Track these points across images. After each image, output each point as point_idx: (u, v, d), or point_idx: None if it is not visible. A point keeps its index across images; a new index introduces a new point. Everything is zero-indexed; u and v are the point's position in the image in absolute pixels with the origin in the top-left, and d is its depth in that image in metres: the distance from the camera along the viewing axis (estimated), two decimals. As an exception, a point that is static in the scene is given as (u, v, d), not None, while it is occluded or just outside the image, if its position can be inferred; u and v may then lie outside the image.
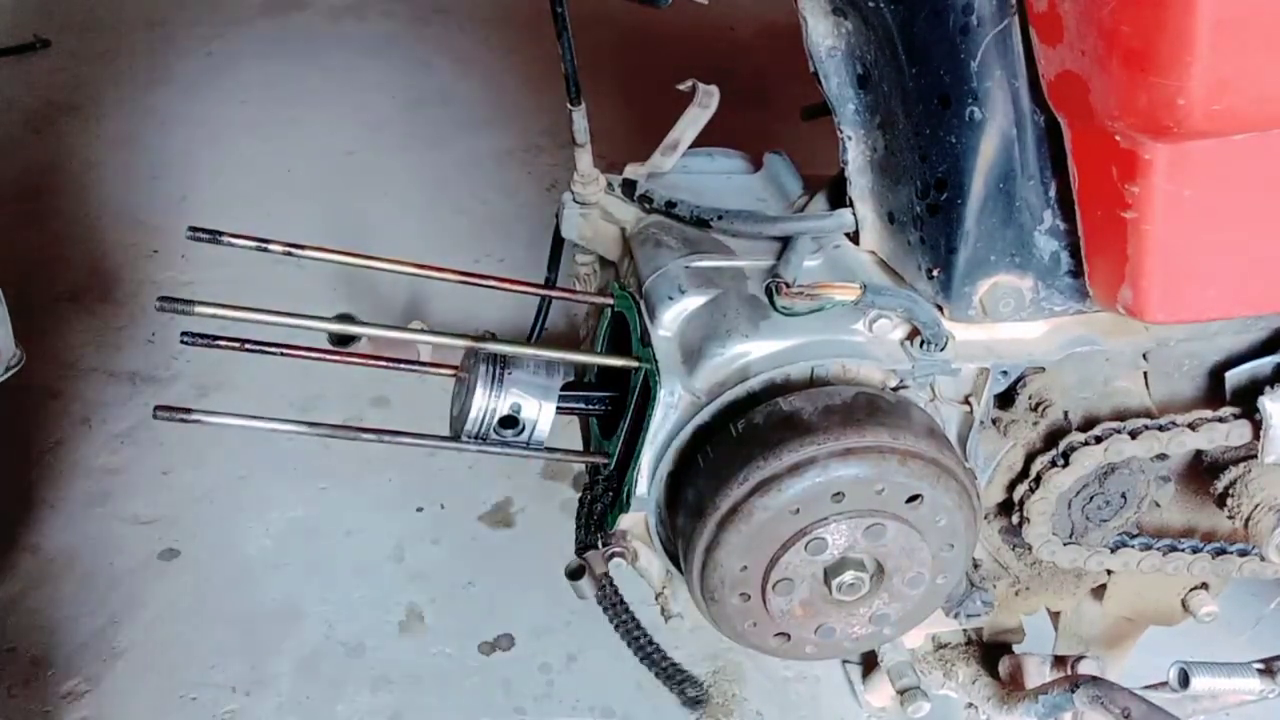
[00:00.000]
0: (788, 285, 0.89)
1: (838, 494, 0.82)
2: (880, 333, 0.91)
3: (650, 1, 1.03)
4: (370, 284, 2.37)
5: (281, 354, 0.85)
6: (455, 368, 0.90)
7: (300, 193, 2.78)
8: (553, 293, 1.05)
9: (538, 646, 1.62)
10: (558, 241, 1.18)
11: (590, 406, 0.94)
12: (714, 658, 1.64)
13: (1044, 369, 0.95)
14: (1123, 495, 1.01)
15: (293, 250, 0.79)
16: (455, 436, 0.85)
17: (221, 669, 1.51)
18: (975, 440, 0.97)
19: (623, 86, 2.89)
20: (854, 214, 0.99)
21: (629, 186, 1.11)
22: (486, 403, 0.83)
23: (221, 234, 0.77)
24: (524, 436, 0.85)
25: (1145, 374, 1.01)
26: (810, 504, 0.82)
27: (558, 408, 0.86)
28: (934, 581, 0.90)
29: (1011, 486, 1.01)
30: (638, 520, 0.96)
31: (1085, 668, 1.14)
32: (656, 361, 0.89)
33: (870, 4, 0.84)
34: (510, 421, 0.84)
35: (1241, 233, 0.80)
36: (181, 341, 0.79)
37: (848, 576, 0.86)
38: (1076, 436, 0.95)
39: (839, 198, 1.02)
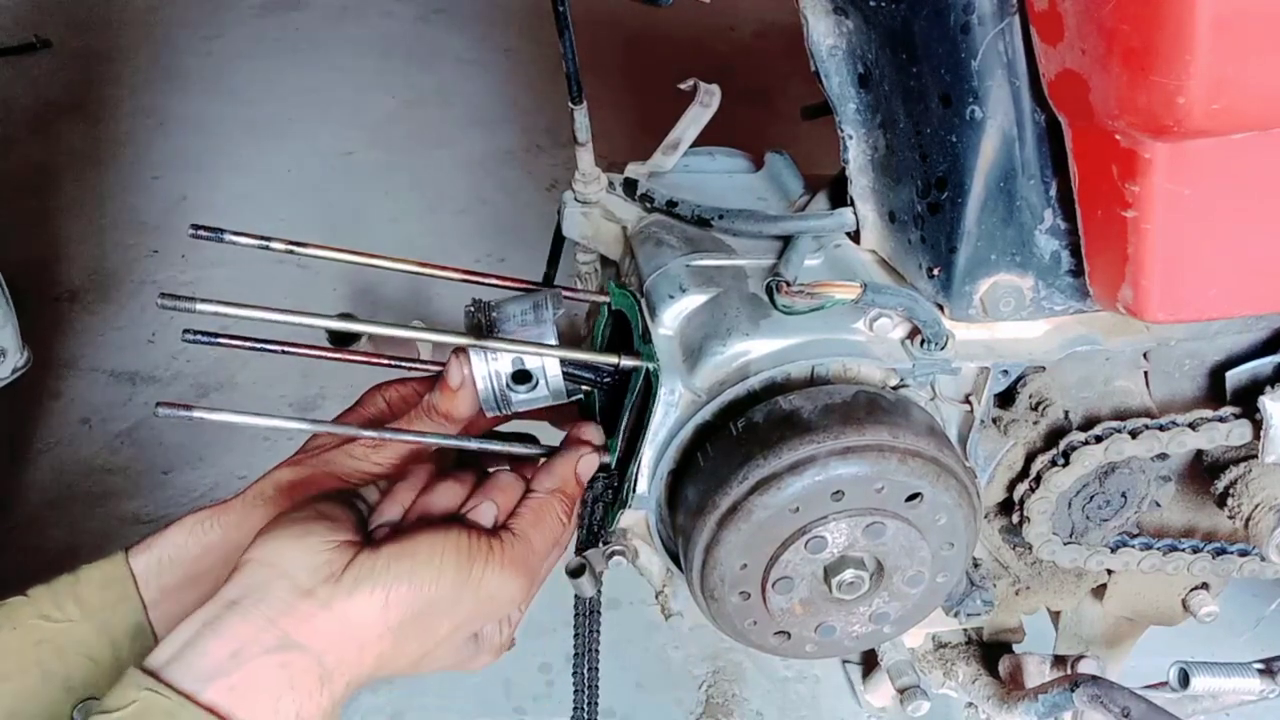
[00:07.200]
0: (788, 284, 0.89)
1: (837, 492, 0.82)
2: (881, 332, 0.91)
3: (652, 1, 1.03)
4: (371, 283, 2.37)
5: (282, 352, 0.85)
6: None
7: (300, 193, 2.79)
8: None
9: (538, 646, 1.62)
10: (558, 240, 1.18)
11: (601, 378, 0.92)
12: (714, 657, 1.64)
13: (1044, 368, 0.95)
14: (1123, 495, 1.01)
15: (294, 248, 0.79)
16: (456, 435, 0.85)
17: (221, 668, 1.51)
18: (975, 439, 0.97)
19: (623, 86, 2.89)
20: (855, 213, 0.99)
21: (630, 185, 1.11)
22: (487, 367, 0.81)
23: (223, 231, 0.77)
24: (541, 389, 0.83)
25: (1146, 373, 1.01)
26: (810, 502, 0.82)
27: (567, 374, 0.84)
28: (934, 580, 0.90)
29: (1012, 486, 1.01)
30: (638, 519, 0.96)
31: (1085, 667, 1.14)
32: (657, 359, 0.89)
33: (871, 3, 0.84)
34: (523, 376, 0.82)
35: (1242, 232, 0.80)
36: (183, 339, 0.79)
37: (847, 575, 0.86)
38: (1077, 436, 0.95)
39: (840, 197, 1.02)
